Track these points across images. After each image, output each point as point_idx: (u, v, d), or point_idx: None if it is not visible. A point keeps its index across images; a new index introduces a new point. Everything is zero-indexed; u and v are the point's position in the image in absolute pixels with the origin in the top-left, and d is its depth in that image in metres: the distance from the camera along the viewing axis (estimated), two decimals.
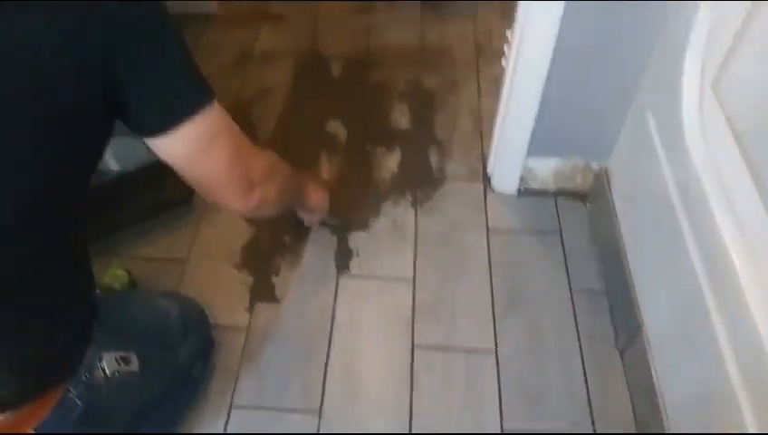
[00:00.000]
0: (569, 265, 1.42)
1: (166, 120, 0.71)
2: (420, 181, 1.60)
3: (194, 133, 0.73)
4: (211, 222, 1.49)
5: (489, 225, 1.50)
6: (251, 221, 1.50)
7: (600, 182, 1.45)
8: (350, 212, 1.52)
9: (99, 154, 0.75)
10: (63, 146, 0.66)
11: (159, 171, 1.46)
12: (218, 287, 1.37)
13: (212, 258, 1.42)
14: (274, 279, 1.39)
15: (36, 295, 0.75)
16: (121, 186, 1.46)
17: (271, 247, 1.45)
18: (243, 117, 1.73)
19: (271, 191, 0.92)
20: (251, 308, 1.34)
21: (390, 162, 1.65)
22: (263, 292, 1.37)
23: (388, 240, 1.47)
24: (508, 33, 1.33)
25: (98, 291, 1.29)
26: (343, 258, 1.43)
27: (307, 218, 1.36)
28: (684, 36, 1.00)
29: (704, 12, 0.95)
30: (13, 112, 0.60)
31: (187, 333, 1.07)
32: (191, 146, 0.74)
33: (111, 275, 1.30)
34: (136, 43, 0.64)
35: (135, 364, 0.93)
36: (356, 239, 1.47)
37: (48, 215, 0.70)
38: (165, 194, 1.48)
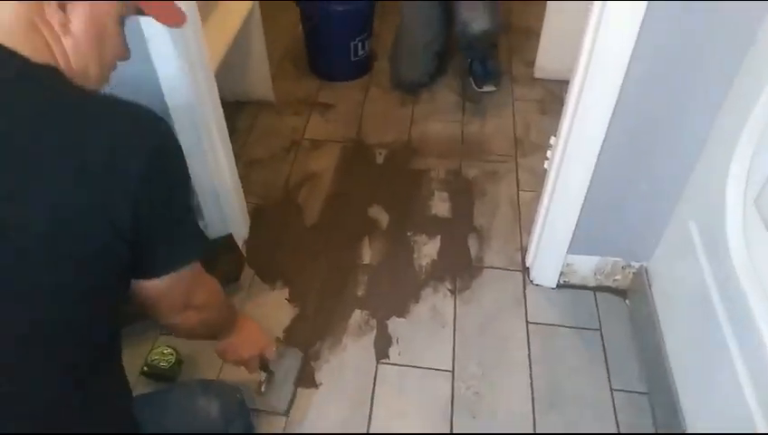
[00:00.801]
0: (609, 364, 1.41)
1: (166, 269, 0.78)
2: (459, 269, 1.63)
3: (185, 274, 0.81)
4: (256, 303, 1.54)
5: (528, 317, 1.51)
6: (294, 304, 1.54)
7: (641, 280, 1.46)
8: (390, 298, 1.55)
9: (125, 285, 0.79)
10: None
11: (211, 252, 1.55)
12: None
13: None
14: (314, 364, 1.41)
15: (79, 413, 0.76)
16: None
17: (312, 331, 1.48)
18: (290, 200, 1.81)
19: (194, 318, 0.94)
20: (292, 392, 1.35)
21: (430, 249, 1.69)
22: (302, 376, 1.39)
23: (427, 328, 1.49)
24: (552, 139, 1.39)
25: (144, 368, 1.34)
26: (383, 345, 1.45)
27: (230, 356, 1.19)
28: (726, 156, 1.04)
29: (747, 134, 1.00)
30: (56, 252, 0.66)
31: (228, 430, 1.06)
32: (172, 284, 0.80)
33: (159, 353, 1.34)
34: (163, 191, 0.72)
35: None
36: (395, 325, 1.50)
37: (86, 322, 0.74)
38: (216, 274, 1.53)
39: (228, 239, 1.56)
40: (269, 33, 2.02)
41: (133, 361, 1.37)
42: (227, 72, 1.86)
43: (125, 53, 0.81)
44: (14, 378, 0.69)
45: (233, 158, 1.55)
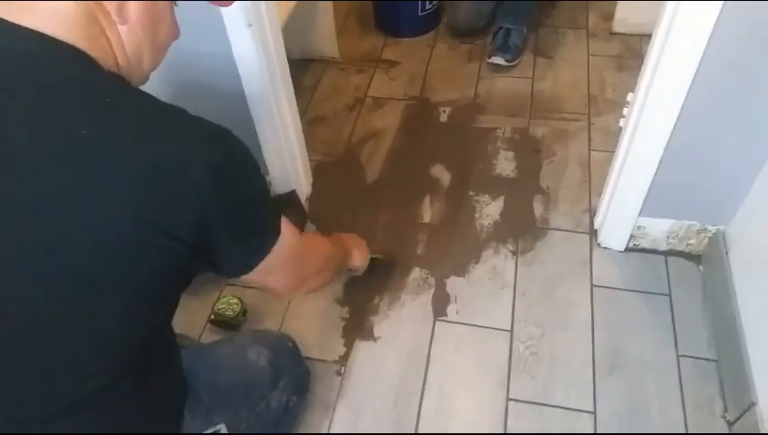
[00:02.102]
0: (677, 330, 1.36)
1: (245, 266, 0.81)
2: (523, 230, 1.60)
3: (265, 266, 0.81)
4: None
5: (593, 281, 1.46)
6: None
7: (717, 246, 1.37)
8: (449, 257, 1.55)
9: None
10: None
11: (276, 206, 1.58)
12: (320, 321, 1.43)
13: (315, 293, 1.49)
14: (373, 318, 1.43)
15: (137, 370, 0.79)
16: None
17: (371, 287, 1.50)
18: (353, 157, 1.82)
19: (317, 282, 1.02)
20: (350, 345, 1.39)
21: (493, 209, 1.66)
22: (361, 330, 1.41)
23: (486, 288, 1.48)
24: (629, 96, 1.32)
25: (211, 316, 1.40)
26: (441, 303, 1.45)
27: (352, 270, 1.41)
28: None
29: None
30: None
31: (278, 379, 1.08)
32: (261, 272, 0.82)
33: (225, 302, 1.40)
34: (226, 200, 0.70)
35: (224, 430, 0.97)
36: (454, 284, 1.49)
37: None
38: None
39: (291, 195, 1.59)
40: None
41: (201, 309, 1.44)
42: (293, 30, 1.87)
43: (177, 34, 0.82)
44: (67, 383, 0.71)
45: (298, 116, 1.57)
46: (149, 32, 0.74)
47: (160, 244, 0.66)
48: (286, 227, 0.85)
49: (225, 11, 1.20)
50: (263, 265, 0.81)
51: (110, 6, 0.68)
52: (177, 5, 0.78)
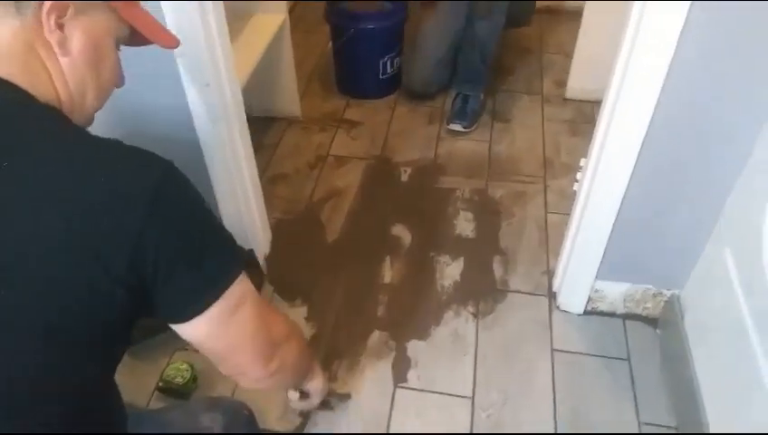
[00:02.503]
0: (637, 396, 1.35)
1: (192, 309, 0.71)
2: (483, 292, 1.59)
3: (218, 311, 0.72)
4: None
5: (554, 344, 1.46)
6: (312, 323, 1.51)
7: (672, 310, 1.39)
8: (410, 320, 1.52)
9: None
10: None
11: None
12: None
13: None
14: (331, 385, 1.38)
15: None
16: None
17: (329, 351, 1.45)
18: (313, 216, 1.80)
19: (290, 355, 0.89)
20: (306, 414, 1.33)
21: (453, 270, 1.65)
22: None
23: (447, 352, 1.45)
24: (582, 161, 1.35)
25: (160, 384, 1.33)
26: (401, 368, 1.42)
27: (305, 403, 1.23)
28: (765, 183, 0.99)
29: None
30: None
31: None
32: (214, 323, 0.73)
33: (175, 368, 1.33)
34: (165, 232, 0.65)
35: None
36: (415, 348, 1.46)
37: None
38: None
39: (249, 254, 1.55)
40: (298, 51, 2.03)
41: (149, 375, 1.36)
42: (256, 88, 1.87)
43: (120, 80, 0.80)
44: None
45: (256, 173, 1.55)
46: (93, 67, 0.72)
47: (99, 285, 0.62)
48: (246, 277, 0.77)
49: (183, 66, 1.20)
50: (216, 312, 0.71)
51: (51, 37, 0.67)
52: (121, 50, 0.78)
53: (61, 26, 0.67)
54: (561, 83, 2.28)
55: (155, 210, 0.63)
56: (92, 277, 0.62)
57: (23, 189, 0.61)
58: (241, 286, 0.74)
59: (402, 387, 1.38)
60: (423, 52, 2.17)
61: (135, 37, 0.79)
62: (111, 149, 0.67)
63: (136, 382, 1.36)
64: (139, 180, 0.64)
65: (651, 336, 1.47)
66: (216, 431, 0.99)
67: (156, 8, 1.10)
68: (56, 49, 0.68)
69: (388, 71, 2.24)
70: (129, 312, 0.68)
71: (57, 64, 0.68)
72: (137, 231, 0.62)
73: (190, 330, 0.72)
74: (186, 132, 1.32)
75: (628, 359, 1.42)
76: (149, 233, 0.63)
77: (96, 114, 0.79)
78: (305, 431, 1.30)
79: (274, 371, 0.85)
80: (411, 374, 1.40)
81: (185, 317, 0.71)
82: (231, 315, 0.74)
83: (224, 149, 1.35)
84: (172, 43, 0.83)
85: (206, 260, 0.70)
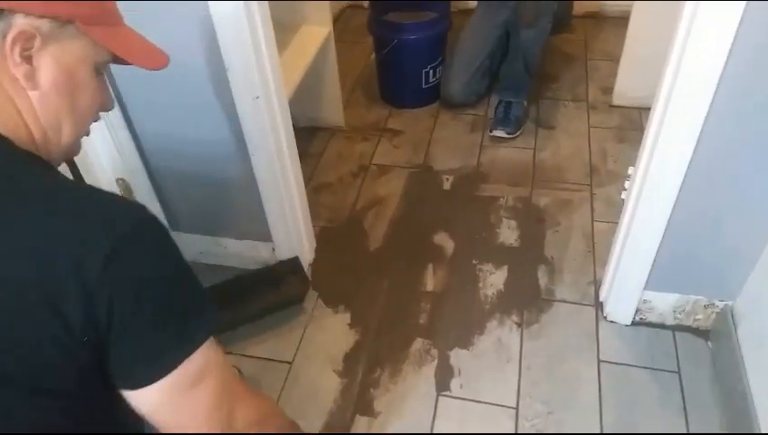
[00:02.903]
0: (688, 409, 1.31)
1: (142, 376, 0.63)
2: (528, 302, 1.57)
3: (171, 382, 0.64)
4: (318, 326, 1.54)
5: (601, 356, 1.43)
6: (355, 329, 1.53)
7: (725, 321, 1.35)
8: (452, 328, 1.52)
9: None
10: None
11: (279, 273, 1.58)
12: (318, 393, 1.39)
13: (316, 363, 1.46)
14: (374, 392, 1.39)
15: None
16: (239, 285, 1.56)
17: (372, 358, 1.46)
18: (356, 224, 1.82)
19: None
20: (350, 419, 1.34)
21: (497, 279, 1.64)
22: (361, 404, 1.37)
23: (491, 361, 1.44)
24: (630, 169, 1.33)
25: None
26: (444, 376, 1.42)
27: None
28: None
29: None
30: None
31: None
32: (165, 395, 0.65)
33: None
34: (121, 289, 0.60)
35: None
36: (458, 357, 1.46)
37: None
38: (280, 294, 1.56)
39: (294, 261, 1.58)
40: (341, 62, 2.06)
41: None
42: (302, 99, 1.92)
43: (107, 103, 0.74)
44: None
45: (302, 182, 1.58)
46: (67, 99, 0.66)
47: (62, 341, 0.59)
48: (217, 349, 0.69)
49: (234, 82, 1.24)
50: (169, 383, 0.63)
51: (18, 71, 0.62)
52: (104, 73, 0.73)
53: (28, 58, 0.62)
54: (608, 90, 2.24)
55: (110, 268, 0.58)
56: (55, 335, 0.58)
57: None
58: (205, 356, 0.66)
59: (445, 395, 1.38)
60: (459, 61, 2.18)
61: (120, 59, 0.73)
62: (81, 199, 0.62)
63: None
64: (99, 236, 0.59)
65: (702, 349, 1.42)
66: None
67: (207, 21, 1.15)
68: (23, 83, 0.63)
69: (431, 80, 2.25)
70: (91, 372, 0.63)
71: (26, 99, 0.64)
72: (89, 290, 0.58)
73: (139, 398, 0.65)
74: (235, 143, 1.36)
75: (679, 371, 1.38)
76: (101, 292, 0.58)
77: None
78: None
79: None
80: (454, 383, 1.40)
81: (133, 384, 0.64)
82: (187, 389, 0.66)
83: (272, 161, 1.39)
84: (158, 64, 0.75)
85: (167, 325, 0.64)
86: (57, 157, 0.71)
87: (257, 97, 1.26)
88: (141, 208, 0.63)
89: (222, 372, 0.70)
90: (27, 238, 0.58)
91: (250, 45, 1.18)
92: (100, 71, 0.70)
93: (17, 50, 0.61)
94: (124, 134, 1.41)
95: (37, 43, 0.62)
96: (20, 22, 0.60)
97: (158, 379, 0.63)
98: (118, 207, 0.63)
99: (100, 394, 0.66)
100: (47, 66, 0.64)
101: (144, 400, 0.64)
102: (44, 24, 0.62)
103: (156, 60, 0.75)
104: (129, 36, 0.74)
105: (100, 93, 0.72)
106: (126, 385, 0.64)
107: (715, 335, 1.41)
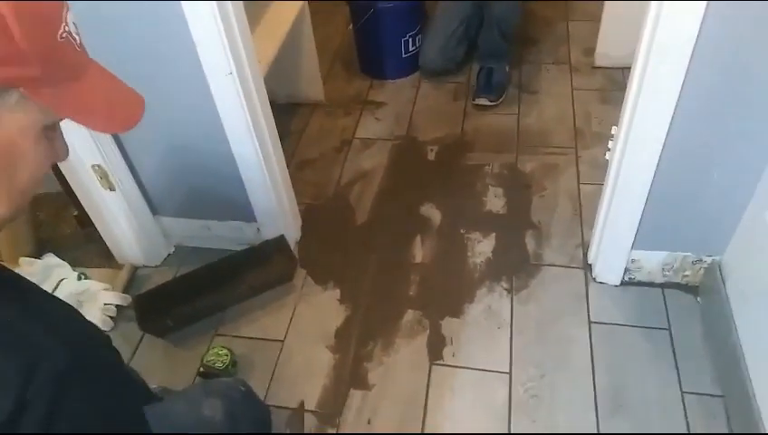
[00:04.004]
0: (679, 366, 1.32)
1: None
2: (516, 267, 1.57)
3: None
4: (309, 304, 1.54)
5: (591, 317, 1.43)
6: (345, 305, 1.52)
7: (713, 276, 1.35)
8: (443, 298, 1.51)
9: None
10: None
11: (266, 252, 1.56)
12: (312, 370, 1.39)
13: (307, 340, 1.45)
14: (367, 365, 1.39)
15: None
16: (226, 267, 1.55)
17: (364, 332, 1.46)
18: (342, 200, 1.80)
19: None
20: (344, 394, 1.34)
21: (485, 247, 1.64)
22: (355, 377, 1.37)
23: (482, 328, 1.44)
24: (614, 129, 1.31)
25: (201, 369, 1.36)
26: (436, 346, 1.42)
27: None
28: None
29: None
30: None
31: (236, 428, 1.02)
32: None
33: (215, 354, 1.36)
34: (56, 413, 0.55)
35: None
36: (449, 326, 1.46)
37: None
38: (268, 274, 1.55)
39: (280, 240, 1.57)
40: (319, 35, 2.02)
41: (190, 362, 1.40)
42: (279, 74, 1.88)
43: (59, 157, 0.62)
44: None
45: (284, 160, 1.56)
46: (2, 175, 0.54)
47: None
48: None
49: (204, 58, 1.20)
50: None
51: None
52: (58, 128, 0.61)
53: None
54: (589, 51, 2.22)
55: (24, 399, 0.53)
56: None
57: None
58: None
59: (438, 364, 1.38)
60: (434, 27, 2.16)
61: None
62: (33, 318, 0.57)
63: (177, 368, 1.40)
64: (49, 355, 0.55)
65: (692, 305, 1.43)
66: (218, 419, 1.00)
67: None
68: None
69: (411, 49, 2.21)
70: None
71: None
72: (4, 419, 0.53)
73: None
74: (211, 123, 1.33)
75: (669, 328, 1.39)
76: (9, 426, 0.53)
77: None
78: (345, 413, 1.31)
79: None
80: (446, 351, 1.40)
81: None
82: None
83: (250, 139, 1.36)
84: (122, 125, 0.63)
85: None
86: None
87: (230, 73, 1.22)
88: (90, 327, 0.60)
89: None
90: None
91: (218, 18, 1.14)
92: (49, 133, 0.58)
93: None
94: None
95: None
96: None
97: None
98: (50, 340, 0.57)
99: None
100: None
101: None
102: None
103: (122, 120, 0.62)
104: (93, 90, 0.59)
105: (49, 155, 0.59)
106: None
107: (704, 290, 1.41)
